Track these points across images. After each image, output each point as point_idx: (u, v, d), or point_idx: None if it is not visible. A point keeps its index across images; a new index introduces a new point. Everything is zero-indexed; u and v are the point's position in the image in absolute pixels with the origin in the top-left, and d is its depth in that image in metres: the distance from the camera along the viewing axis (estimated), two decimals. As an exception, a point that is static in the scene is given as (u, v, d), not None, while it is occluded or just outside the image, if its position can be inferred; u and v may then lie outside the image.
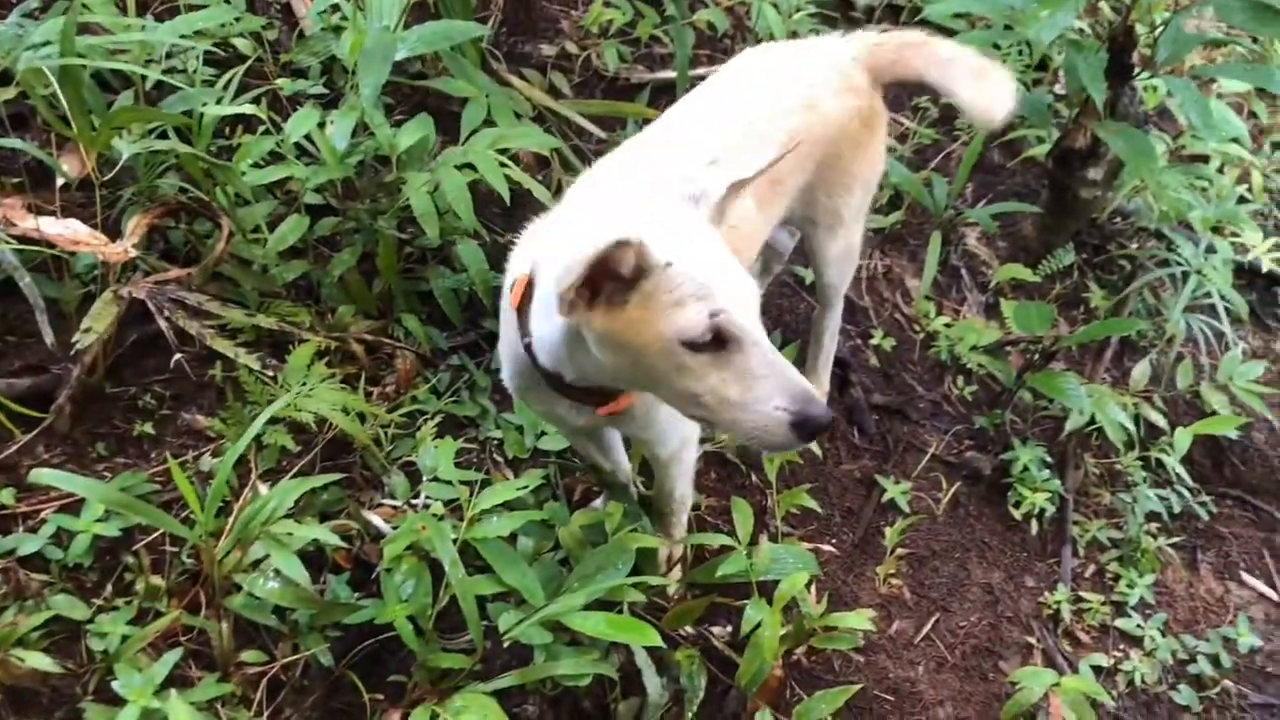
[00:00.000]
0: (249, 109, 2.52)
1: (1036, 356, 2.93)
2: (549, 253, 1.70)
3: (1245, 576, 3.10)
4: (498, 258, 2.80)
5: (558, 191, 2.98)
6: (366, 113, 2.51)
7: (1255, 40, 4.07)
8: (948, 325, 3.17)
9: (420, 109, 2.89)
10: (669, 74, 3.39)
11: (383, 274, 2.64)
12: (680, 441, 2.16)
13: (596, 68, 3.38)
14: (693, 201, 1.68)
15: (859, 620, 2.37)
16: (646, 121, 3.20)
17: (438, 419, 2.51)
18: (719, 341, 1.53)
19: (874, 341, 3.13)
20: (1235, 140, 3.69)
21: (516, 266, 1.87)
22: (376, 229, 2.59)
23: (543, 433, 2.54)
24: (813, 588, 2.49)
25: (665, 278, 1.53)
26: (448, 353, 2.72)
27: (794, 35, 3.31)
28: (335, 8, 2.94)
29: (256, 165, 2.56)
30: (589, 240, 1.49)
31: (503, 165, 2.58)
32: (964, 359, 3.11)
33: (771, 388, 1.53)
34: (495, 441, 2.59)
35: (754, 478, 2.73)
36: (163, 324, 2.33)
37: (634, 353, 1.57)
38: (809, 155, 2.23)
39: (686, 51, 3.23)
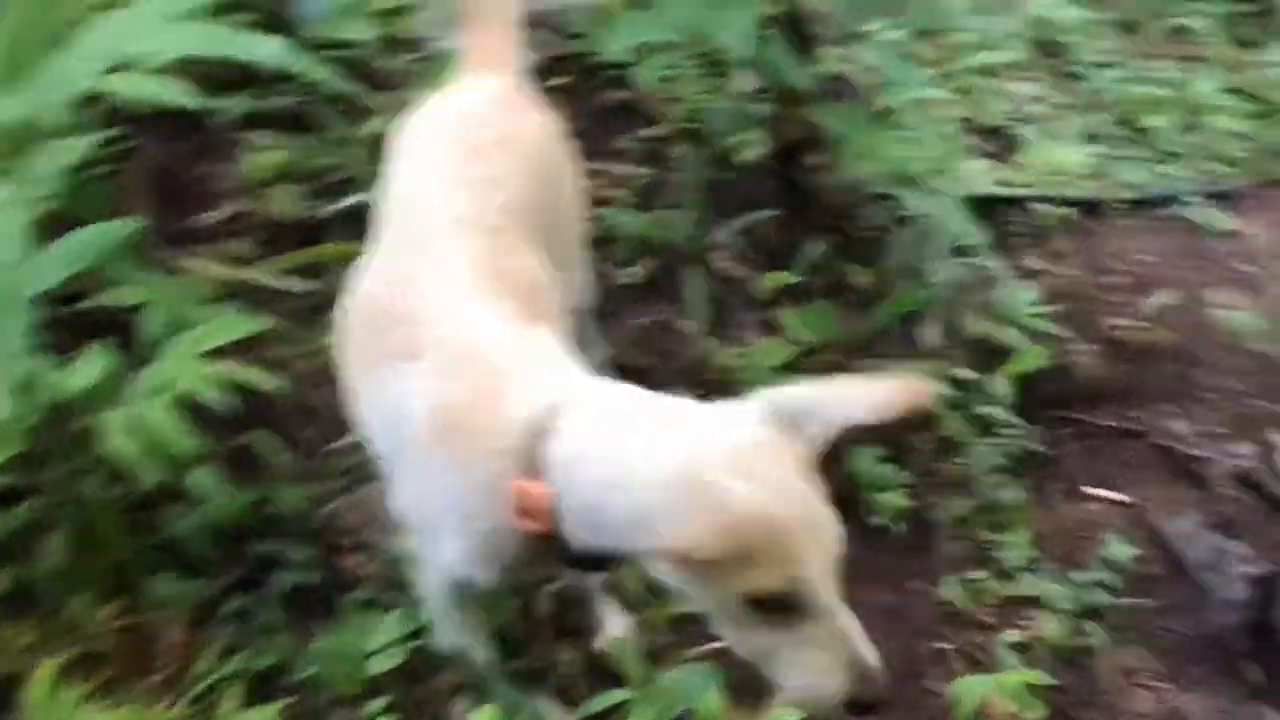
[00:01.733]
0: None
1: (839, 359, 2.82)
2: (590, 460, 1.47)
3: (1091, 491, 3.10)
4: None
5: (285, 368, 2.63)
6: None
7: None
8: (739, 356, 3.01)
9: (88, 329, 2.43)
10: (357, 197, 3.07)
11: (106, 545, 2.17)
12: None
13: (275, 217, 3.01)
14: (772, 418, 1.47)
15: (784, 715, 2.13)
16: (349, 257, 2.90)
17: (239, 684, 2.08)
18: (786, 604, 1.36)
19: (673, 399, 2.92)
20: (923, 83, 3.78)
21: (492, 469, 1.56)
22: (82, 495, 2.13)
23: (371, 653, 2.15)
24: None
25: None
26: (221, 598, 2.29)
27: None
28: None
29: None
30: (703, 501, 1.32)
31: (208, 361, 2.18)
32: (767, 384, 2.95)
33: (832, 661, 1.40)
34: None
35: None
36: None
37: (697, 586, 1.39)
38: (533, 185, 2.03)
39: (364, 168, 2.94)
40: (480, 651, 2.05)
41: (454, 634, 2.03)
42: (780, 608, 1.37)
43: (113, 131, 2.79)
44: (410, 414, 1.62)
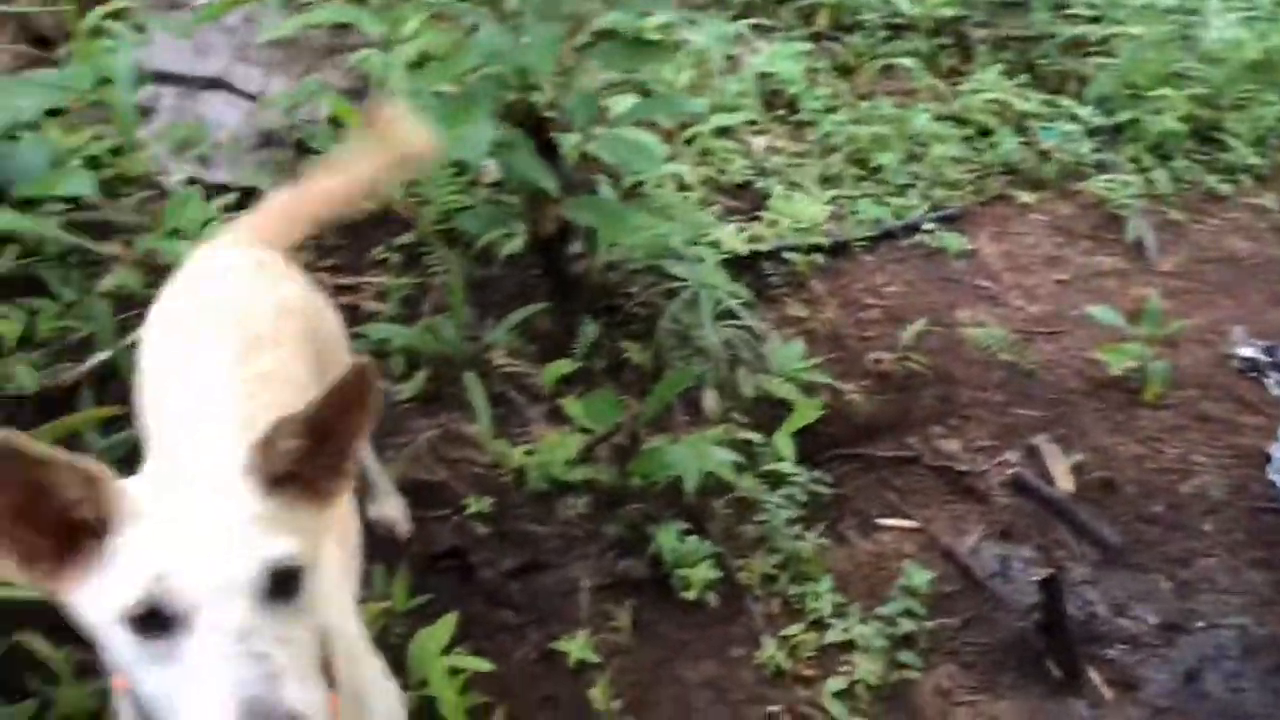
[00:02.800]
0: None
1: (628, 442, 2.84)
2: None
3: (882, 522, 3.24)
4: None
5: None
6: None
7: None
8: (529, 454, 3.00)
9: None
10: (102, 355, 2.89)
11: None
12: None
13: (14, 391, 2.78)
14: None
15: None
16: (103, 422, 2.71)
17: None
18: (166, 623, 1.13)
19: (470, 509, 2.88)
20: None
21: None
22: None
23: None
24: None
25: (129, 533, 1.16)
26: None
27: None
28: None
29: None
30: None
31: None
32: (563, 478, 2.95)
33: (213, 691, 1.09)
34: None
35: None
36: None
37: (106, 648, 1.19)
38: (309, 362, 1.98)
39: (106, 325, 2.77)
40: None
41: None
42: (163, 630, 1.14)
43: None
44: None
